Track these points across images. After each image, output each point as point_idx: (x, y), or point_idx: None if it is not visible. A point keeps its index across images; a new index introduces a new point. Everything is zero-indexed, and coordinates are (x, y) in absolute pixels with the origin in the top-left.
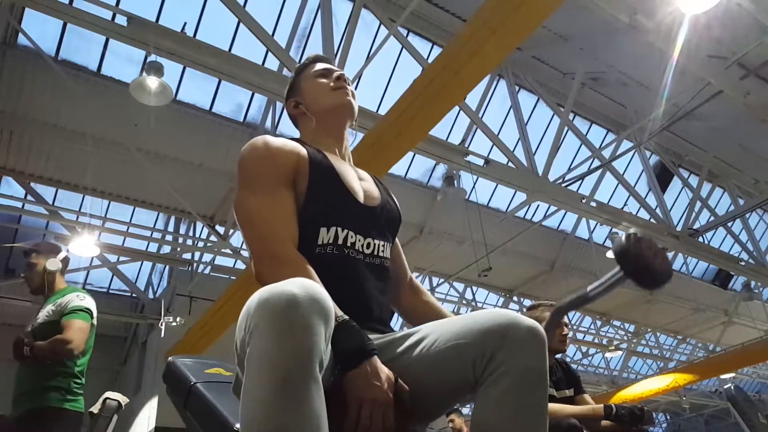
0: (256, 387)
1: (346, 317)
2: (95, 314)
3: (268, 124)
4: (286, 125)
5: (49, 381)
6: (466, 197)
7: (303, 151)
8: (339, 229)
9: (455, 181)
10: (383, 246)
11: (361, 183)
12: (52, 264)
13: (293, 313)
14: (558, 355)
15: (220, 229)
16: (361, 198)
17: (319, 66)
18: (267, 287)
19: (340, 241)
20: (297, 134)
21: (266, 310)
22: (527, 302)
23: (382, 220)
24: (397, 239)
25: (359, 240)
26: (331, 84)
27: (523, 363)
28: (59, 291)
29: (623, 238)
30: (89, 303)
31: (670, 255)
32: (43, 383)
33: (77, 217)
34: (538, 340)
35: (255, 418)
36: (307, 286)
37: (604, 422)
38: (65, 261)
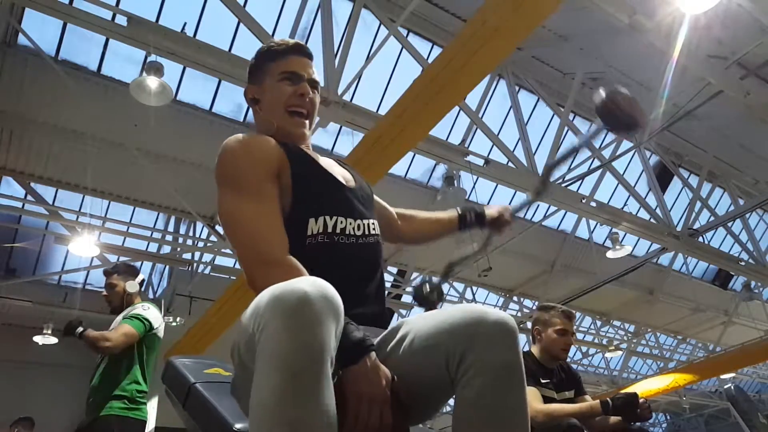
0: (267, 383)
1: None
2: (156, 325)
3: None
4: None
5: (114, 391)
6: (466, 197)
7: (279, 145)
8: (327, 218)
9: (455, 181)
10: (372, 223)
11: (334, 168)
12: (131, 286)
13: (306, 310)
14: None
15: (220, 229)
16: (343, 182)
17: (291, 65)
18: (277, 285)
19: (329, 230)
20: None
21: (279, 308)
22: (527, 302)
23: (364, 199)
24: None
25: (350, 223)
26: (292, 101)
27: (493, 360)
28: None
29: (602, 92)
30: (150, 314)
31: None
32: (108, 393)
33: (77, 217)
34: (508, 333)
35: (267, 414)
36: (318, 284)
37: (608, 421)
38: (142, 283)
